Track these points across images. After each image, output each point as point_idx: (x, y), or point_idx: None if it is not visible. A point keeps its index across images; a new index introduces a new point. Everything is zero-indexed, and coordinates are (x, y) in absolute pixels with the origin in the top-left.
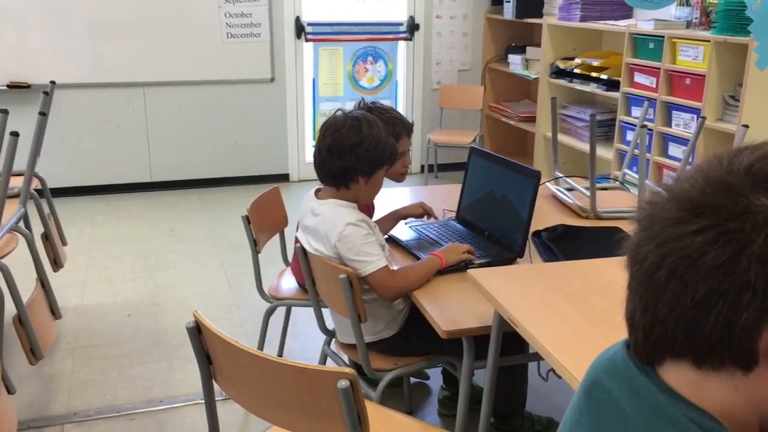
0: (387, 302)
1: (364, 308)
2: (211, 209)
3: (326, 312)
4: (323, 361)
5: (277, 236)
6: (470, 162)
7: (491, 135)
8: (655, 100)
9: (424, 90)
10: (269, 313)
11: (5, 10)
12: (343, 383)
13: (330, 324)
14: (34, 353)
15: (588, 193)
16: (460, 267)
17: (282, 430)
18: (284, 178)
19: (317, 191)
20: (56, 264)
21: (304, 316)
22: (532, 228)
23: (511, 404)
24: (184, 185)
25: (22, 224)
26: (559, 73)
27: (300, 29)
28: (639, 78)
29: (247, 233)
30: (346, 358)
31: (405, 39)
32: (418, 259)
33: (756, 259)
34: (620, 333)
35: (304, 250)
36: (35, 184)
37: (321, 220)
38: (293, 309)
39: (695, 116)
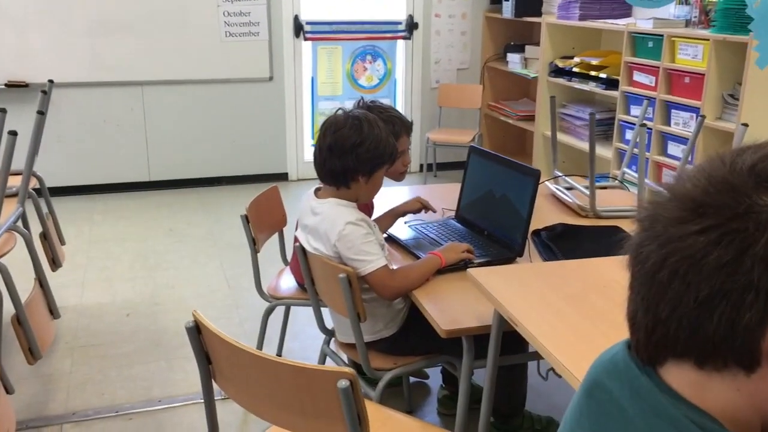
0: (386, 301)
1: (364, 308)
2: (210, 208)
3: (325, 311)
4: (323, 360)
5: (276, 236)
6: (469, 161)
7: (490, 134)
8: (655, 98)
9: (423, 89)
10: (268, 312)
11: (5, 10)
12: (343, 383)
13: (329, 323)
14: (32, 353)
15: (587, 192)
16: (460, 266)
17: (281, 429)
18: (283, 177)
19: (317, 190)
20: (55, 263)
21: (303, 316)
22: (532, 227)
23: (511, 403)
24: (182, 184)
25: (20, 224)
26: (558, 71)
27: (299, 28)
28: (638, 77)
29: (246, 233)
30: (345, 357)
31: (404, 38)
32: (418, 258)
33: (759, 259)
34: (620, 332)
35: (303, 250)
36: (33, 183)
37: (321, 219)
38: (292, 308)
39: (694, 115)
